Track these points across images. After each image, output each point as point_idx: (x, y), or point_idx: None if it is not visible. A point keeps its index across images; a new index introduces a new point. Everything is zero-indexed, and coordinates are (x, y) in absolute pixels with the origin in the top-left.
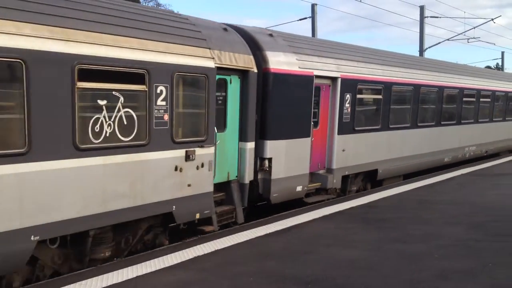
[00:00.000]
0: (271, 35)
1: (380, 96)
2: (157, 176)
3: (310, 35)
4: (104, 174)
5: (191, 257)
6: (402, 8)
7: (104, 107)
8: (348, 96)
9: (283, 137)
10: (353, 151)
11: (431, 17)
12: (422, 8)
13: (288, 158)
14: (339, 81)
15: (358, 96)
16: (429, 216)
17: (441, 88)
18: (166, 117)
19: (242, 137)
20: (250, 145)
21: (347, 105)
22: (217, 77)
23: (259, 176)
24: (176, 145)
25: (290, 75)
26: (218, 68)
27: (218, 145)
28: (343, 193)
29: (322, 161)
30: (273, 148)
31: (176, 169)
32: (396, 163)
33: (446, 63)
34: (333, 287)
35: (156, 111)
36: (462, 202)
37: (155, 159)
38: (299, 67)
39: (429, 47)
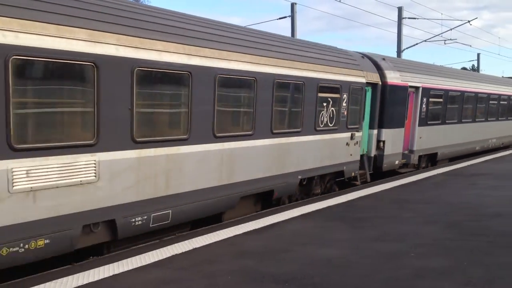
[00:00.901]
0: (384, 59)
1: (441, 100)
2: (340, 148)
3: (289, 34)
4: (320, 145)
5: (168, 255)
6: (380, 9)
7: (324, 107)
8: (424, 99)
9: (391, 127)
10: (426, 138)
11: (409, 18)
12: (400, 9)
13: (393, 141)
14: (420, 89)
15: (430, 99)
16: (406, 215)
17: (476, 94)
18: (345, 112)
19: (371, 126)
20: (375, 131)
21: (423, 106)
22: (368, 89)
23: (377, 152)
24: (348, 129)
25: (396, 85)
26: (366, 83)
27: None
28: (416, 168)
29: (407, 144)
30: (386, 134)
31: (346, 144)
32: (448, 149)
33: (478, 74)
34: (311, 285)
35: (342, 109)
36: (438, 202)
37: (339, 137)
38: (401, 80)
39: (406, 48)
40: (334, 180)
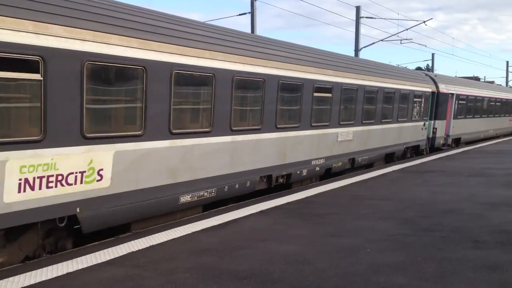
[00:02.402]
0: (436, 75)
1: (465, 102)
2: (416, 131)
3: (249, 31)
4: (412, 128)
5: (124, 253)
6: (339, 8)
7: (414, 106)
8: (456, 101)
9: (440, 119)
10: (455, 127)
11: (366, 17)
12: (358, 9)
13: (440, 128)
14: (454, 95)
15: (459, 101)
16: (362, 211)
17: (491, 98)
18: (422, 109)
19: (430, 118)
20: (432, 122)
21: (455, 105)
22: (430, 95)
23: (432, 136)
24: (423, 120)
25: (444, 93)
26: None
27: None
28: (449, 146)
29: (446, 131)
30: (438, 123)
31: (421, 129)
32: (468, 135)
33: (488, 85)
34: (269, 281)
35: (422, 108)
36: (393, 198)
37: (414, 125)
38: (445, 90)
39: (364, 47)
40: (415, 151)
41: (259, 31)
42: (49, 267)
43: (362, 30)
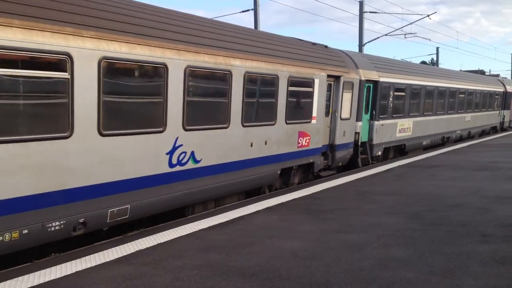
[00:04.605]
0: (504, 79)
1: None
2: (495, 117)
3: (252, 27)
4: (488, 116)
5: (132, 251)
6: (342, 3)
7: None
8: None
9: (507, 109)
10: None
11: (370, 12)
12: (361, 3)
13: (507, 115)
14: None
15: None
16: (369, 206)
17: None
18: (497, 103)
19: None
20: (502, 112)
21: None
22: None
23: (501, 120)
24: (498, 109)
25: (509, 92)
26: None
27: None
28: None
29: (510, 117)
30: (505, 112)
31: (497, 115)
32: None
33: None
34: (277, 277)
35: (495, 102)
36: (399, 193)
37: (495, 113)
38: (510, 89)
39: (368, 42)
40: (494, 130)
41: (262, 28)
42: (58, 266)
43: (366, 25)
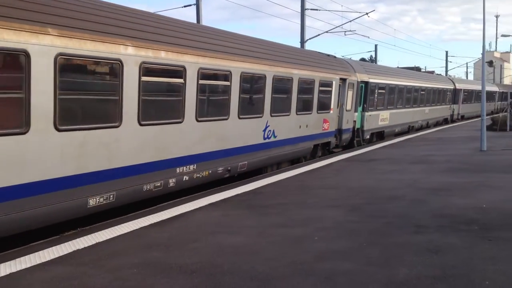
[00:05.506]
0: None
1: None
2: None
3: (195, 22)
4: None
5: (69, 251)
6: (283, 0)
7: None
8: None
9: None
10: (462, 109)
11: (311, 9)
12: (302, 1)
13: (456, 108)
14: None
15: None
16: (310, 200)
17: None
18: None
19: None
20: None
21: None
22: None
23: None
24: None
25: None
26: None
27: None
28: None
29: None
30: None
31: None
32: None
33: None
34: (219, 273)
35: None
36: (340, 187)
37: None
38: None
39: (309, 39)
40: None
41: (204, 23)
42: None
43: (307, 22)
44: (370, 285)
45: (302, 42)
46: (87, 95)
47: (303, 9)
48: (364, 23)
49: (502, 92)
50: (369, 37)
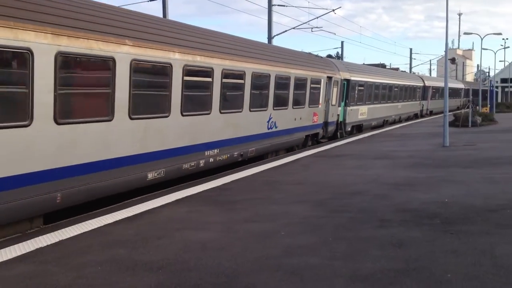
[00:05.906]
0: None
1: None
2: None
3: (161, 16)
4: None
5: (32, 249)
6: None
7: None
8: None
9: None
10: (430, 104)
11: (278, 5)
12: None
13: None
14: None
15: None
16: (277, 196)
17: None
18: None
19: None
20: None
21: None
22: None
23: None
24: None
25: (427, 86)
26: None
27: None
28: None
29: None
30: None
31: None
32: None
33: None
34: (185, 270)
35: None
36: (306, 182)
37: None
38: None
39: (277, 35)
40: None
41: (171, 18)
42: None
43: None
44: (336, 279)
45: (270, 38)
46: (150, 91)
47: (270, 4)
48: (331, 19)
49: (468, 89)
50: (335, 34)
